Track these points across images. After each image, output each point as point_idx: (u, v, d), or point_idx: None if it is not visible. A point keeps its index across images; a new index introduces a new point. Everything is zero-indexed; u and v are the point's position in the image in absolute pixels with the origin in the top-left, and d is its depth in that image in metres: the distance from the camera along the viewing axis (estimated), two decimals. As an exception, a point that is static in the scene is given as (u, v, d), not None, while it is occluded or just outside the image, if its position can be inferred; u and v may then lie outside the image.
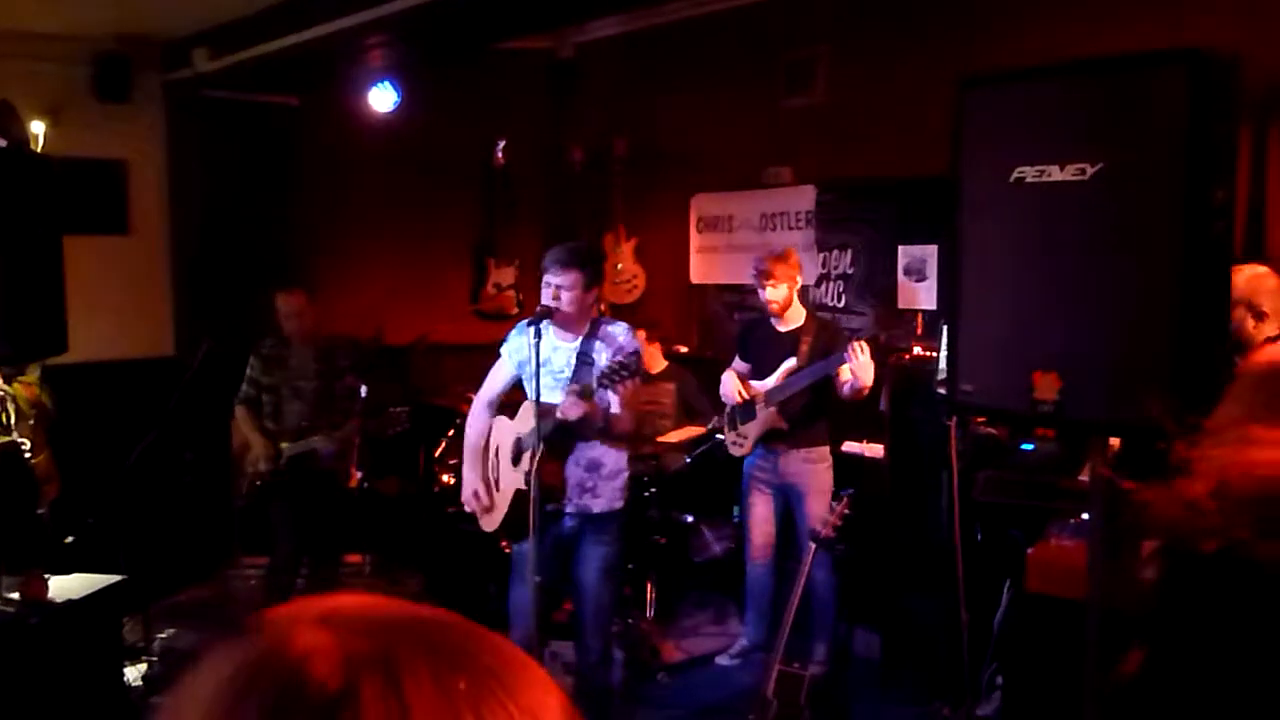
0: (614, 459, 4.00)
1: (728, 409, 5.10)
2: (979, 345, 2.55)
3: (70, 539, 5.21)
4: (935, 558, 4.30)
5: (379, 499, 6.34)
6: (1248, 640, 0.74)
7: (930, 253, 5.53)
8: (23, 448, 4.82)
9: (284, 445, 5.19)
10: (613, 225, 7.16)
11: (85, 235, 6.02)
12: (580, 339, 3.95)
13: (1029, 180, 2.34)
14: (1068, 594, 3.08)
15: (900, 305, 5.67)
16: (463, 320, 7.32)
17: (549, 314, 3.83)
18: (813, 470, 4.90)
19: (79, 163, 6.27)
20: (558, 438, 3.83)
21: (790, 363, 4.83)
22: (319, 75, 6.62)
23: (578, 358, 3.90)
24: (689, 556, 5.77)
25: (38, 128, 6.02)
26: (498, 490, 4.11)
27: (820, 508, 4.48)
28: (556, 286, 3.84)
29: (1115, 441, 2.49)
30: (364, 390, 5.31)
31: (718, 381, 5.19)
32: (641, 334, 5.40)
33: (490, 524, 4.12)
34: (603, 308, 5.22)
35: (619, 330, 3.96)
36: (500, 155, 7.38)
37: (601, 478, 3.97)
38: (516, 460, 4.01)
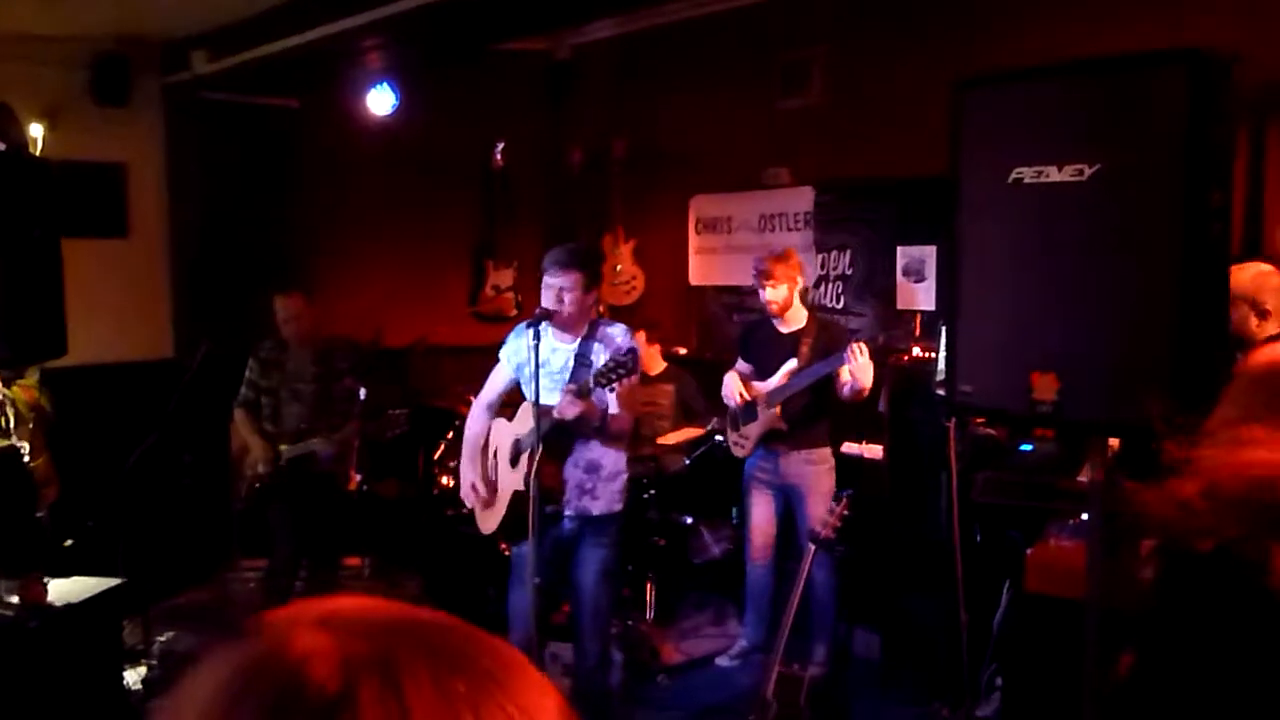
0: (613, 460, 4.00)
1: (729, 410, 5.11)
2: (978, 346, 2.55)
3: (69, 542, 5.21)
4: (934, 558, 4.30)
5: (378, 501, 6.34)
6: (1240, 641, 0.75)
7: (929, 253, 5.53)
8: (22, 451, 4.82)
9: (283, 448, 5.19)
10: (611, 226, 7.17)
11: (84, 238, 6.01)
12: (579, 340, 3.95)
13: (1027, 181, 2.35)
14: (1067, 594, 3.08)
15: (899, 306, 5.67)
16: (462, 322, 7.33)
17: (548, 316, 3.83)
18: (814, 471, 4.90)
19: (78, 166, 6.27)
20: (555, 438, 3.83)
21: (791, 364, 4.84)
22: (318, 77, 6.62)
23: (576, 359, 3.90)
24: (688, 558, 5.76)
25: (36, 131, 6.02)
26: (495, 493, 4.11)
27: (821, 509, 4.47)
28: (560, 289, 3.84)
29: (1115, 442, 2.49)
30: (363, 392, 5.30)
31: (717, 383, 5.19)
32: (641, 335, 5.41)
33: (488, 526, 4.12)
34: (601, 309, 5.23)
35: (617, 332, 3.96)
36: (499, 157, 7.39)
37: (600, 480, 3.97)
38: (515, 462, 4.01)
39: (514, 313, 7.29)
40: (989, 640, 4.15)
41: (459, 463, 4.35)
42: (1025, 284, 2.42)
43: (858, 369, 4.51)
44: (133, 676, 4.72)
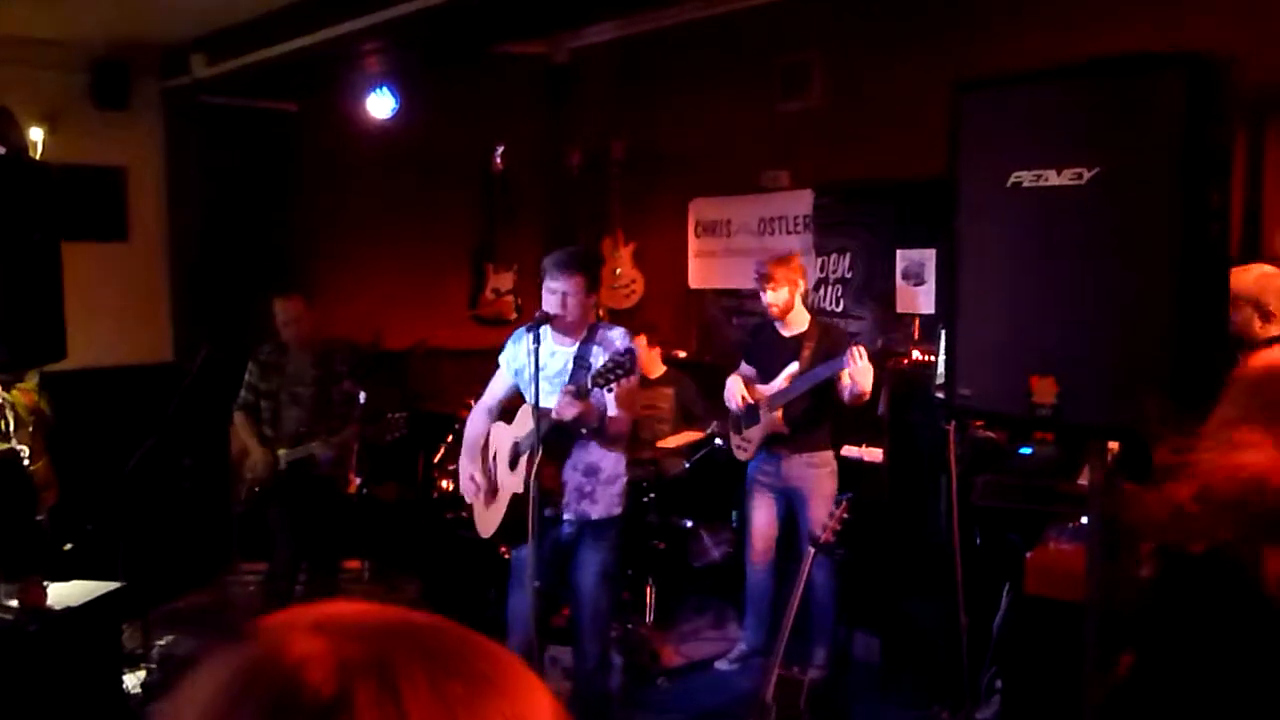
0: (611, 464, 4.00)
1: (732, 413, 5.10)
2: (977, 349, 2.55)
3: (69, 546, 5.20)
4: (934, 561, 4.30)
5: (377, 505, 6.34)
6: (1233, 640, 0.75)
7: (929, 256, 5.53)
8: (21, 455, 4.82)
9: (282, 451, 5.18)
10: (611, 229, 7.17)
11: (84, 242, 6.03)
12: (578, 344, 3.95)
13: (1026, 185, 2.35)
14: (1066, 597, 3.08)
15: (899, 309, 5.67)
16: (461, 325, 7.33)
17: (548, 319, 3.83)
18: (816, 475, 4.90)
19: (78, 170, 6.28)
20: (554, 439, 3.83)
21: (793, 367, 4.84)
22: (317, 81, 6.63)
23: (575, 361, 3.90)
24: (688, 561, 5.76)
25: (36, 135, 6.03)
26: (494, 497, 4.11)
27: (823, 513, 4.47)
28: (563, 293, 3.83)
29: (1114, 445, 2.49)
30: (362, 396, 5.31)
31: (717, 386, 5.19)
32: (642, 339, 5.42)
33: (487, 529, 4.12)
34: (601, 313, 5.23)
35: (616, 335, 3.96)
36: (498, 160, 7.39)
37: (599, 483, 3.96)
38: (514, 464, 4.01)
39: (514, 316, 7.28)
40: (989, 643, 4.15)
41: (458, 465, 4.35)
42: (1024, 287, 2.42)
43: (857, 373, 4.52)
44: (132, 680, 4.72)
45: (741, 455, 5.10)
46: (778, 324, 4.96)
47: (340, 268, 7.11)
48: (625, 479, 4.08)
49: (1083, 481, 3.47)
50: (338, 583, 5.70)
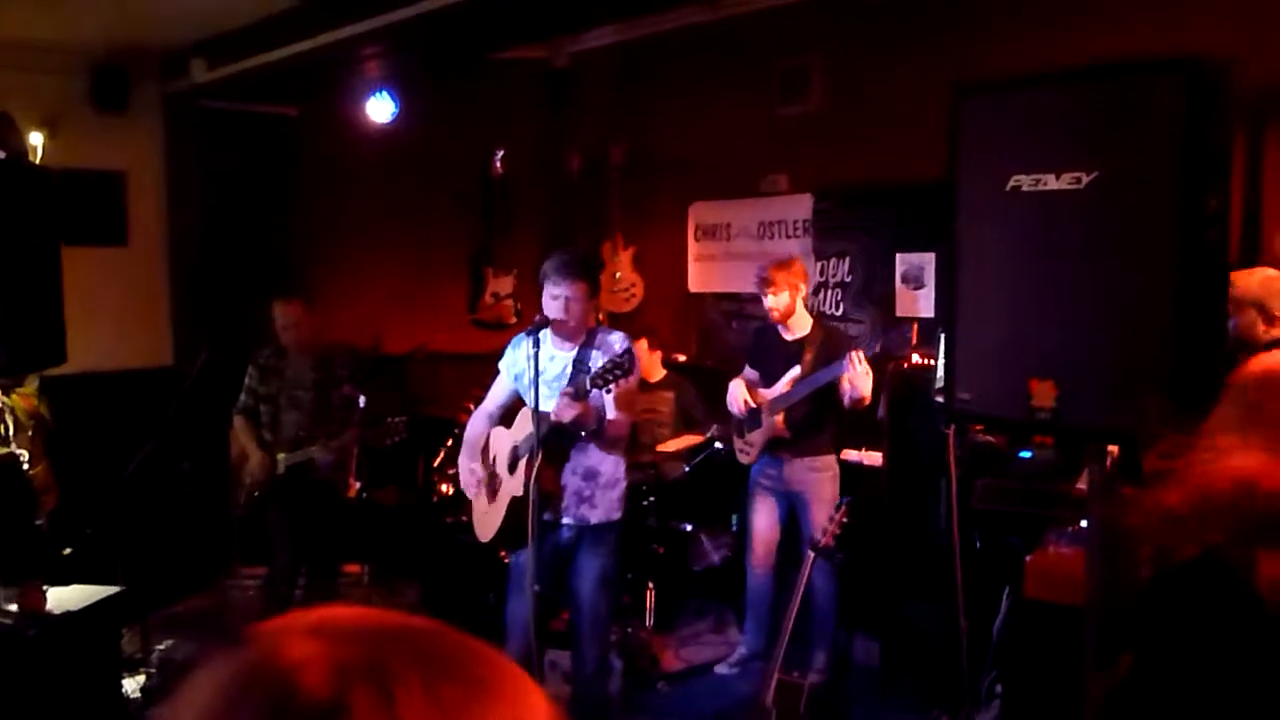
0: (611, 468, 3.99)
1: (734, 417, 5.10)
2: (976, 353, 2.55)
3: (68, 550, 5.20)
4: (934, 565, 4.29)
5: (377, 509, 6.33)
6: (1228, 641, 0.75)
7: (928, 260, 5.53)
8: (21, 459, 4.83)
9: (281, 455, 5.18)
10: (610, 233, 7.17)
11: (84, 246, 6.03)
12: (578, 348, 3.94)
13: (1025, 189, 2.35)
14: (1066, 601, 3.08)
15: (898, 313, 5.66)
16: (461, 329, 7.33)
17: (547, 323, 3.83)
18: (818, 479, 4.90)
19: (77, 174, 6.29)
20: (553, 442, 3.82)
21: (795, 371, 4.84)
22: (317, 85, 6.64)
23: (574, 365, 3.90)
24: (688, 565, 5.75)
25: (36, 139, 6.03)
26: (494, 500, 4.11)
27: (824, 517, 4.47)
28: (566, 298, 3.83)
29: (1114, 448, 2.49)
30: (362, 400, 5.30)
31: (717, 390, 5.19)
32: (643, 343, 5.42)
33: (486, 533, 4.12)
34: (600, 317, 5.23)
35: (616, 339, 3.96)
36: (498, 164, 7.39)
37: (599, 487, 3.96)
38: (513, 468, 4.01)
39: (513, 320, 7.29)
40: (989, 647, 4.14)
41: (458, 469, 4.35)
42: (1023, 290, 2.42)
43: (856, 378, 4.51)
44: (131, 684, 4.71)
45: (744, 459, 5.10)
46: (780, 328, 4.97)
47: (340, 272, 7.11)
48: (625, 483, 4.07)
49: (1082, 485, 3.47)
50: (337, 587, 5.69)
